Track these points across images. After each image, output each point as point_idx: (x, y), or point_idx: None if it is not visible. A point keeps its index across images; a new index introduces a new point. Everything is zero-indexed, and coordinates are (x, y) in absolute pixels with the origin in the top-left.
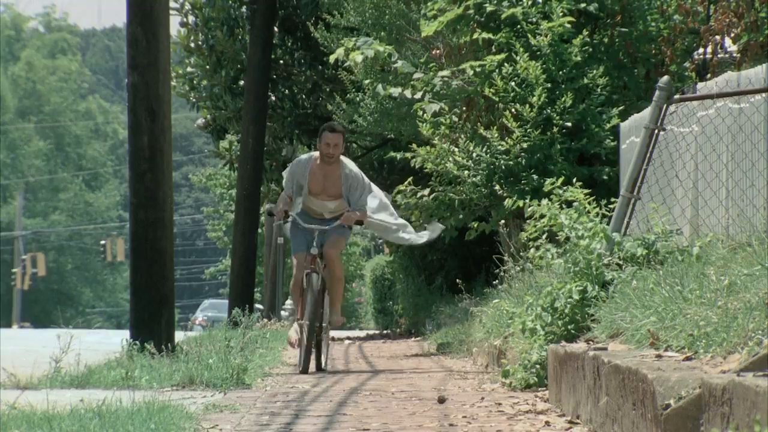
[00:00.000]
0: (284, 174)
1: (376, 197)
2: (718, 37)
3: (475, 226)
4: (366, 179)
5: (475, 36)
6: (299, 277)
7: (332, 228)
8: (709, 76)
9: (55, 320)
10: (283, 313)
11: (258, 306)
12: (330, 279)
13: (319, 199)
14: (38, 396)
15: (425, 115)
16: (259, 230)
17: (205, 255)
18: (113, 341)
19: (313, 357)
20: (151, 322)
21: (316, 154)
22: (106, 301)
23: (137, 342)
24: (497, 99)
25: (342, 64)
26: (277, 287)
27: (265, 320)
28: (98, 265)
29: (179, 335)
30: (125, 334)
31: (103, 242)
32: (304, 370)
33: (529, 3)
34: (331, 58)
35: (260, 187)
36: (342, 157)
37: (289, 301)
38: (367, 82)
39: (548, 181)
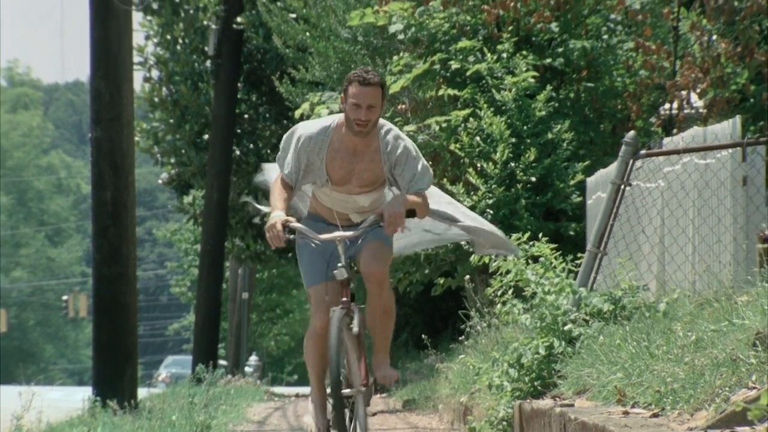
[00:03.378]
0: (281, 146)
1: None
2: (684, 93)
3: (441, 281)
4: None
5: (441, 92)
6: (321, 323)
7: (366, 230)
8: (675, 131)
9: (17, 377)
10: (247, 369)
11: (222, 362)
12: (372, 313)
13: (343, 191)
14: None
15: None
16: (224, 285)
17: (168, 311)
18: (75, 398)
19: None
20: (114, 378)
21: (338, 118)
22: (68, 358)
23: (100, 399)
24: (463, 154)
25: (307, 119)
26: (241, 343)
27: (230, 377)
28: (60, 321)
29: (142, 392)
30: (88, 390)
31: (65, 298)
32: None
33: (494, 58)
34: (297, 113)
35: (224, 242)
36: (381, 120)
37: (254, 357)
38: None
39: (514, 236)
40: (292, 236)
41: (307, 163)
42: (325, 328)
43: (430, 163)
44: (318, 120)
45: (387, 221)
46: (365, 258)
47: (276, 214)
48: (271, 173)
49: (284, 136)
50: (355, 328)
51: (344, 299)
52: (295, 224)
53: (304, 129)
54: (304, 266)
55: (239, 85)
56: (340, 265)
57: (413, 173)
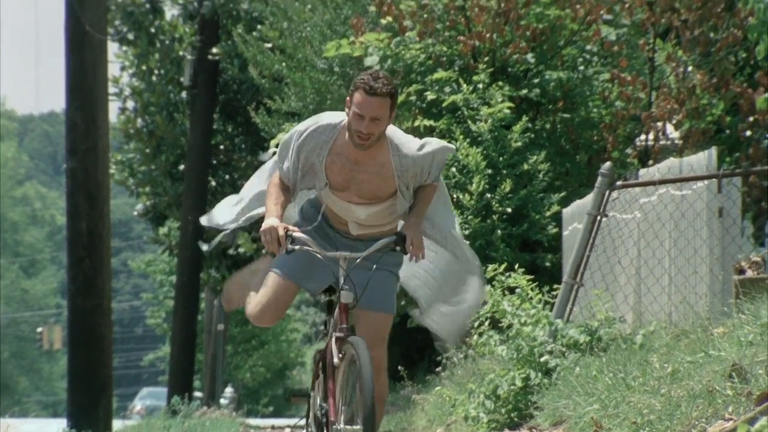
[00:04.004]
0: (281, 145)
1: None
2: (660, 124)
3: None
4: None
5: (417, 123)
6: (256, 315)
7: (377, 255)
8: (651, 162)
9: None
10: (222, 400)
11: (197, 394)
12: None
13: (343, 198)
14: None
15: None
16: (199, 317)
17: (143, 342)
18: (50, 430)
19: None
20: (89, 410)
21: (346, 119)
22: (43, 390)
23: (74, 430)
24: None
25: None
26: (217, 375)
27: (205, 408)
28: (35, 353)
29: (117, 424)
30: (62, 422)
31: (40, 330)
32: None
33: (470, 89)
34: (272, 144)
35: (200, 274)
36: (390, 130)
37: (229, 389)
38: None
39: (490, 267)
40: (296, 247)
41: (305, 162)
42: (256, 317)
43: None
44: (322, 116)
45: (414, 245)
46: (364, 328)
47: (272, 219)
48: (219, 217)
49: (285, 137)
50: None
51: (343, 326)
52: (298, 234)
53: (306, 124)
54: (285, 259)
55: (215, 115)
56: (345, 287)
57: (430, 173)
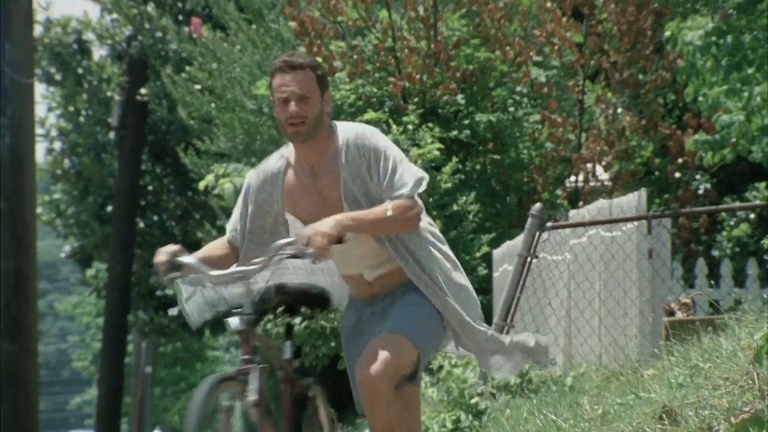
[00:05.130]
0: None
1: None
2: (589, 165)
3: None
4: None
5: None
6: None
7: (273, 260)
8: (581, 203)
9: None
10: None
11: None
12: None
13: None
14: None
15: None
16: (126, 359)
17: (70, 385)
18: None
19: None
20: None
21: (288, 148)
22: None
23: None
24: None
25: (212, 191)
26: (145, 417)
27: None
28: None
29: None
30: None
31: None
32: None
33: (400, 130)
34: (201, 185)
35: (128, 315)
36: (336, 125)
37: (157, 431)
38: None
39: None
40: (176, 274)
41: (256, 212)
42: None
43: None
44: (258, 167)
45: (311, 243)
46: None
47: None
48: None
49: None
50: (251, 396)
51: (244, 356)
52: (186, 258)
53: (249, 176)
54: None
55: (143, 156)
56: (236, 310)
57: (386, 173)
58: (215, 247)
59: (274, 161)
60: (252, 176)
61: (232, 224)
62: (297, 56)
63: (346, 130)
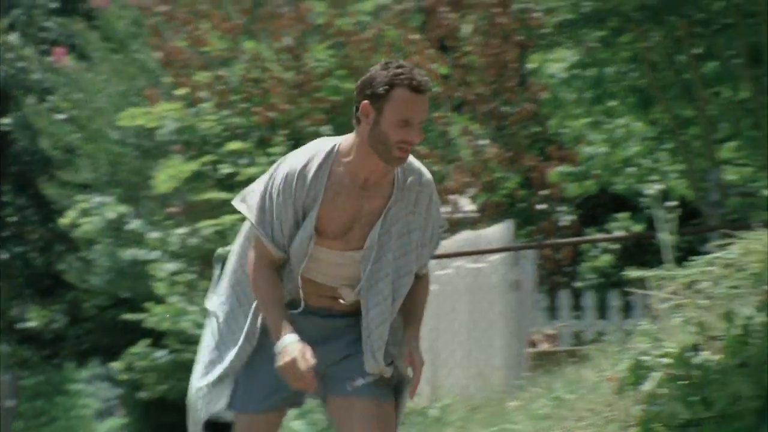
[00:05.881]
0: (251, 195)
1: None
2: (455, 197)
3: None
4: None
5: (208, 195)
6: None
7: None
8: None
9: None
10: None
11: None
12: None
13: (335, 248)
14: None
15: (161, 274)
16: None
17: None
18: None
19: None
20: None
21: (338, 141)
22: None
23: None
24: None
25: (78, 226)
26: None
27: None
28: None
29: None
30: None
31: None
32: None
33: (267, 162)
34: (65, 220)
35: None
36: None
37: None
38: (98, 246)
39: None
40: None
41: (295, 215)
42: None
43: (202, 266)
44: (303, 150)
45: (415, 379)
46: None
47: (289, 340)
48: (196, 412)
49: (252, 196)
50: None
51: None
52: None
53: (291, 163)
54: (243, 381)
55: (4, 188)
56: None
57: (434, 230)
58: (278, 298)
59: (318, 156)
60: (293, 169)
61: (277, 235)
62: (425, 77)
63: (413, 169)
